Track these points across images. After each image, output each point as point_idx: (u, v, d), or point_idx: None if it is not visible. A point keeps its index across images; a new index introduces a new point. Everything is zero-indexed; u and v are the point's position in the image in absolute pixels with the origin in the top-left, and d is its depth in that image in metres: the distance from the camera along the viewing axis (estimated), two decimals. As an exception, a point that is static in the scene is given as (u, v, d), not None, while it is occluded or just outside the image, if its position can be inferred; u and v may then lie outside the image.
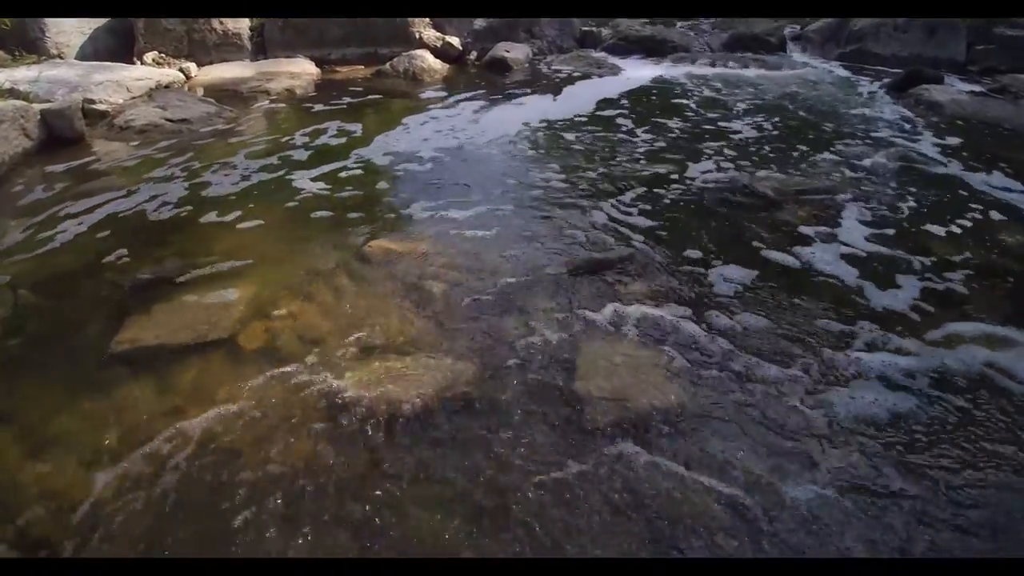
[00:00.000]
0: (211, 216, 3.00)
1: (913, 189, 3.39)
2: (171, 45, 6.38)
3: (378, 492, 1.53)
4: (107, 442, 1.72)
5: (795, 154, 3.90)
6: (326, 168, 3.60)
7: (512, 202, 3.13)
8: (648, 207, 3.08)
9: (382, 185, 3.37)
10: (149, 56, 6.25)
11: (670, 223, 2.92)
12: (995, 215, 3.08)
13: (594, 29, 7.97)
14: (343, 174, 3.52)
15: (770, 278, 2.47)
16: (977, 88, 5.88)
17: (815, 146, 4.07)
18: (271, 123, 4.61)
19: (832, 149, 4.02)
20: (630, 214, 2.99)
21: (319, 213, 3.01)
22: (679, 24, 8.62)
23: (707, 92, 5.59)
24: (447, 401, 1.80)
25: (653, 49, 7.30)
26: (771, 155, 3.86)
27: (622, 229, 2.83)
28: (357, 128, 4.39)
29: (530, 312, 2.18)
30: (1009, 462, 1.62)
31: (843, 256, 2.67)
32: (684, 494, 1.50)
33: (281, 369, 1.94)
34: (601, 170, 3.57)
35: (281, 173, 3.54)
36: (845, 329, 2.15)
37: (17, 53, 5.95)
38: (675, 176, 3.48)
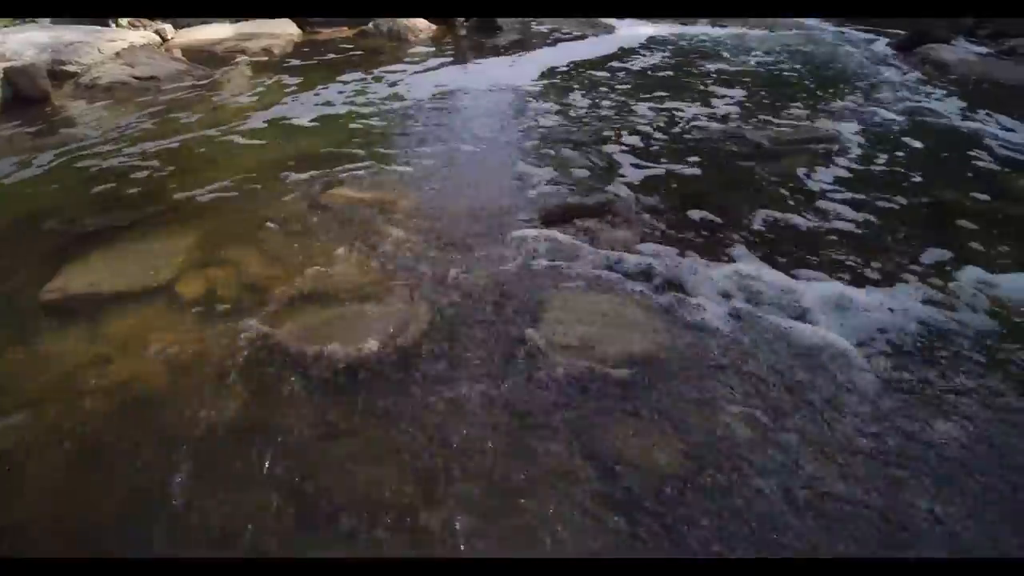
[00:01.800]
0: (166, 169, 2.80)
1: (916, 140, 3.16)
2: (148, 7, 6.11)
3: (307, 447, 1.36)
4: (24, 392, 1.56)
5: (794, 106, 3.66)
6: (294, 121, 3.40)
7: (489, 151, 2.92)
8: (634, 156, 2.87)
9: (352, 136, 3.15)
10: (125, 19, 6.00)
11: (656, 171, 2.70)
12: (1000, 164, 2.86)
13: (589, -10, 7.63)
14: (311, 127, 3.31)
15: (758, 225, 2.27)
16: (985, 50, 5.58)
17: (815, 99, 3.83)
18: (242, 80, 4.38)
19: (833, 103, 3.77)
20: (615, 162, 2.78)
21: (281, 164, 2.80)
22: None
23: (704, 48, 5.32)
24: (393, 350, 1.62)
25: (650, 9, 6.97)
26: (769, 107, 3.62)
27: (605, 176, 2.62)
28: (330, 83, 4.15)
29: (494, 259, 1.98)
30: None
31: (838, 201, 2.46)
32: (642, 448, 1.33)
33: (217, 317, 1.77)
34: (588, 120, 3.34)
35: (246, 127, 3.33)
36: (835, 272, 1.95)
37: (-13, 15, 5.70)
38: (666, 126, 3.25)
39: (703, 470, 1.27)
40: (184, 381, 1.56)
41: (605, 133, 3.14)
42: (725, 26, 6.30)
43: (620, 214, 2.27)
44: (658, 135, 3.14)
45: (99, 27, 5.61)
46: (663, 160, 2.84)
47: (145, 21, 6.06)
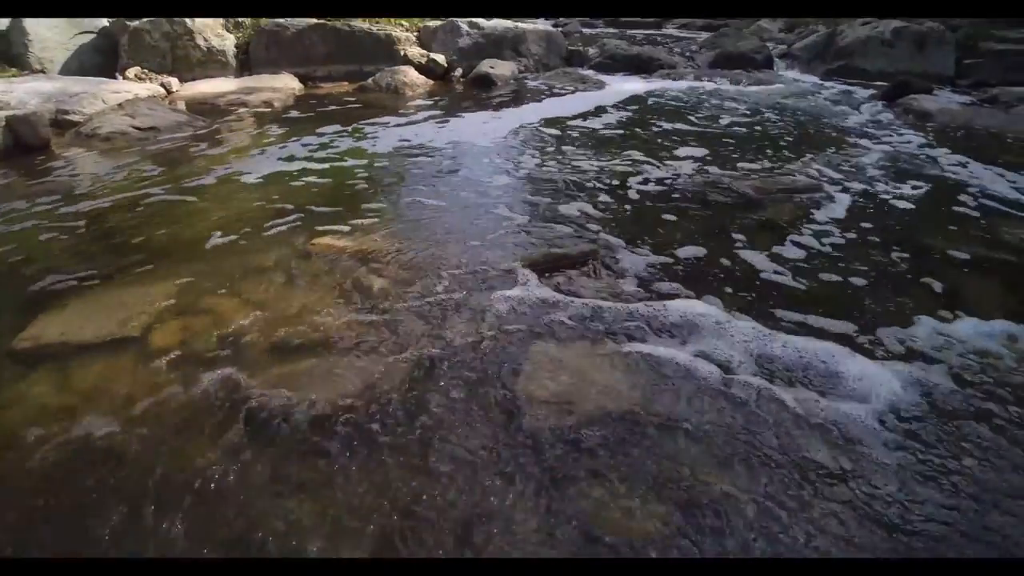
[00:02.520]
0: (153, 218, 2.80)
1: (902, 187, 3.20)
2: (155, 61, 6.31)
3: (266, 505, 1.29)
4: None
5: (781, 156, 3.72)
6: (285, 170, 3.43)
7: (475, 199, 2.93)
8: (618, 204, 2.89)
9: (341, 186, 3.18)
10: (131, 72, 6.18)
11: (640, 220, 2.71)
12: (987, 211, 2.88)
13: (580, 48, 7.93)
14: (302, 177, 3.33)
15: (742, 276, 2.25)
16: (967, 99, 5.76)
17: (801, 149, 3.90)
18: (240, 131, 4.46)
19: (819, 152, 3.84)
20: (599, 210, 2.79)
21: (269, 213, 2.81)
22: (669, 36, 8.60)
23: (692, 102, 5.46)
24: (370, 403, 1.56)
25: (640, 67, 7.23)
26: (756, 157, 3.68)
27: (589, 225, 2.63)
28: (326, 135, 4.23)
29: (476, 309, 1.95)
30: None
31: (823, 252, 2.45)
32: (617, 509, 1.26)
33: (189, 368, 1.72)
34: (572, 169, 3.38)
35: (238, 176, 3.36)
36: (822, 327, 1.92)
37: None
38: (652, 175, 3.29)
39: (684, 536, 1.20)
40: (146, 433, 1.50)
41: (591, 184, 3.17)
42: (713, 81, 6.50)
43: (603, 264, 2.25)
44: (644, 186, 3.17)
45: (105, 79, 5.78)
46: (648, 209, 2.86)
47: (151, 74, 6.25)
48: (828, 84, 6.48)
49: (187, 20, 6.28)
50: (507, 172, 3.37)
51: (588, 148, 3.86)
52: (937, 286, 2.18)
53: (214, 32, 6.49)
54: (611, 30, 12.07)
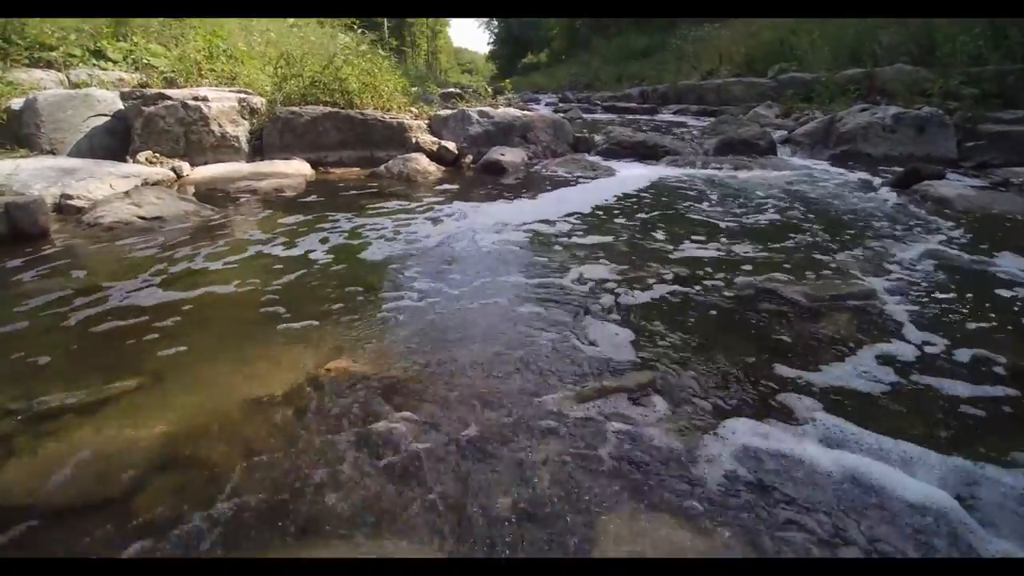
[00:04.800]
0: (147, 328, 2.46)
1: (950, 286, 2.93)
2: (167, 145, 6.21)
3: None
4: None
5: (815, 256, 3.47)
6: (295, 272, 3.12)
7: (503, 311, 2.62)
8: (662, 319, 2.56)
9: (356, 290, 2.86)
10: (143, 155, 6.05)
11: (691, 339, 2.37)
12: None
13: (586, 134, 7.96)
14: (313, 279, 3.02)
15: (814, 401, 1.91)
16: (978, 183, 5.66)
17: (833, 247, 3.66)
18: (249, 223, 4.21)
19: (851, 250, 3.60)
20: (643, 328, 2.46)
21: (278, 326, 2.47)
22: (665, 122, 8.68)
23: (707, 192, 5.31)
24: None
25: (646, 154, 7.21)
26: (790, 257, 3.42)
27: (636, 347, 2.29)
28: (339, 229, 3.97)
29: (524, 466, 1.58)
30: None
31: (894, 365, 2.12)
32: None
33: (178, 548, 1.32)
34: (604, 275, 3.09)
35: (244, 278, 3.05)
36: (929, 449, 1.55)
37: (8, 147, 5.74)
38: (689, 282, 3.00)
39: None
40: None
41: (624, 291, 2.87)
42: (720, 168, 6.43)
43: (661, 396, 1.91)
44: (685, 290, 2.88)
45: (116, 163, 5.62)
46: (696, 323, 2.54)
47: (163, 158, 6.12)
48: (835, 170, 6.40)
49: (203, 107, 6.24)
50: (529, 276, 3.06)
51: (612, 248, 3.60)
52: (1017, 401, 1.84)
53: (229, 119, 6.44)
54: (610, 116, 12.35)
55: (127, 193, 4.51)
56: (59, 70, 7.56)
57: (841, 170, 6.40)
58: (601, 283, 2.94)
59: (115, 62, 8.22)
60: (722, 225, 4.13)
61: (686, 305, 2.72)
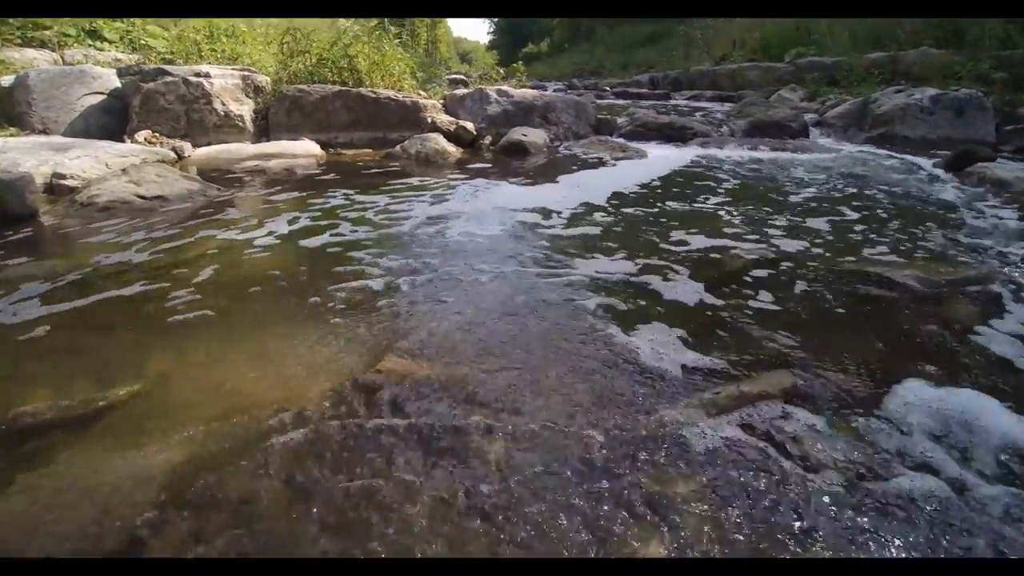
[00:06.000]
0: (148, 323, 2.02)
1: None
2: (167, 125, 5.73)
3: None
4: None
5: (903, 239, 3.04)
6: (318, 256, 2.67)
7: (576, 303, 2.19)
8: (775, 308, 2.14)
9: (389, 278, 2.40)
10: (142, 135, 5.57)
11: (814, 332, 1.95)
12: None
13: (609, 116, 7.50)
14: (341, 264, 2.58)
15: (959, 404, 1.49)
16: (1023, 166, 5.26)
17: (916, 230, 3.23)
18: (259, 203, 3.75)
19: (935, 232, 3.18)
20: (757, 319, 2.04)
21: (306, 317, 2.03)
22: (678, 106, 8.22)
23: (754, 173, 4.87)
24: None
25: (673, 135, 6.76)
26: (877, 241, 3.00)
27: (755, 343, 1.87)
28: (358, 210, 3.52)
29: (667, 506, 1.16)
30: None
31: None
32: None
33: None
34: (684, 260, 2.66)
35: (258, 263, 2.61)
36: None
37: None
38: (787, 268, 2.56)
39: None
40: None
41: (719, 279, 2.44)
42: (757, 149, 5.99)
43: (801, 398, 1.49)
44: (786, 277, 2.45)
45: (112, 143, 5.14)
46: (813, 313, 2.11)
47: (162, 138, 5.64)
48: (879, 152, 5.98)
49: (205, 84, 5.75)
50: (602, 267, 2.62)
51: (678, 230, 3.16)
52: None
53: (232, 97, 5.96)
54: (622, 101, 11.88)
55: (125, 171, 4.04)
56: (53, 50, 7.08)
57: (884, 152, 5.98)
58: (684, 270, 2.52)
59: (112, 42, 7.73)
60: (789, 207, 3.70)
61: (793, 292, 2.29)
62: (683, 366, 1.67)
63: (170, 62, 6.86)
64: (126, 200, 3.52)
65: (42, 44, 7.08)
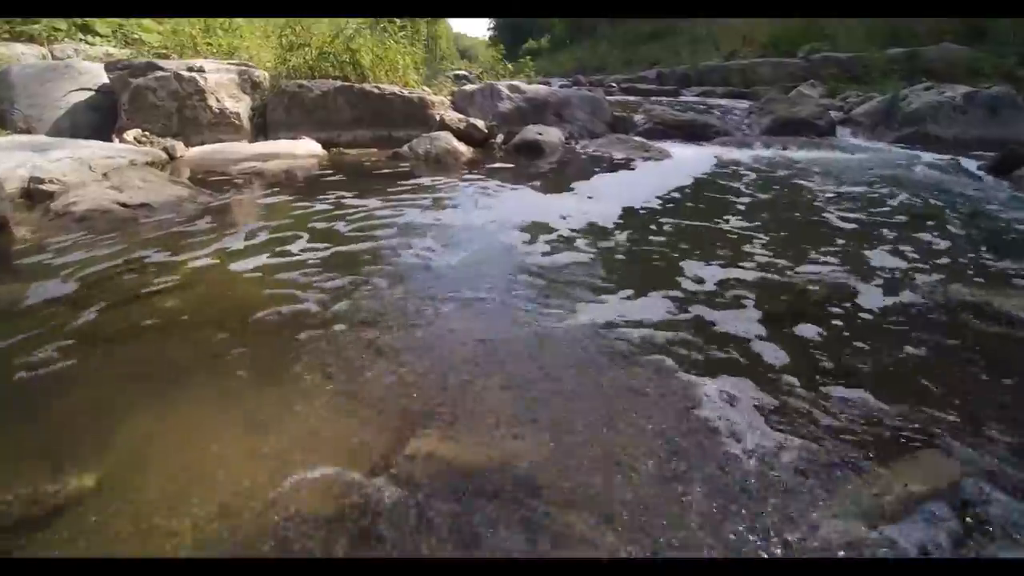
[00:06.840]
0: (119, 369, 1.63)
1: None
2: (159, 123, 5.31)
3: None
4: None
5: (984, 258, 2.67)
6: (328, 283, 2.24)
7: (643, 343, 1.81)
8: (864, 357, 1.76)
9: (422, 316, 2.00)
10: (131, 134, 5.15)
11: (938, 388, 1.56)
12: None
13: (624, 114, 7.10)
14: (356, 294, 2.15)
15: None
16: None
17: (992, 245, 2.86)
18: (255, 214, 3.34)
19: (1016, 250, 2.81)
20: (850, 376, 1.65)
21: (313, 369, 1.64)
22: (706, 108, 7.83)
23: (792, 178, 4.48)
24: None
25: (695, 133, 6.37)
26: (955, 261, 2.62)
27: (868, 409, 1.48)
28: (368, 225, 3.09)
29: None
30: None
31: None
32: None
33: None
34: (739, 293, 2.28)
35: (255, 289, 2.20)
36: None
37: (-21, 126, 4.84)
38: (854, 298, 2.18)
39: None
40: None
41: (786, 312, 2.06)
42: (785, 149, 5.60)
43: (978, 489, 1.11)
44: (876, 305, 2.07)
45: (98, 142, 4.72)
46: (926, 360, 1.73)
47: (153, 137, 5.22)
48: (912, 153, 5.59)
49: (199, 79, 5.33)
50: (659, 288, 2.24)
51: (732, 245, 2.78)
52: None
53: (228, 93, 5.54)
54: (632, 98, 11.45)
55: (106, 175, 3.64)
56: (42, 44, 6.64)
57: (918, 153, 5.59)
58: (749, 300, 2.13)
59: (103, 36, 7.29)
60: (843, 219, 3.31)
61: (892, 331, 1.89)
62: (799, 450, 1.29)
63: (164, 56, 6.44)
64: (106, 209, 3.12)
65: (31, 38, 6.65)
